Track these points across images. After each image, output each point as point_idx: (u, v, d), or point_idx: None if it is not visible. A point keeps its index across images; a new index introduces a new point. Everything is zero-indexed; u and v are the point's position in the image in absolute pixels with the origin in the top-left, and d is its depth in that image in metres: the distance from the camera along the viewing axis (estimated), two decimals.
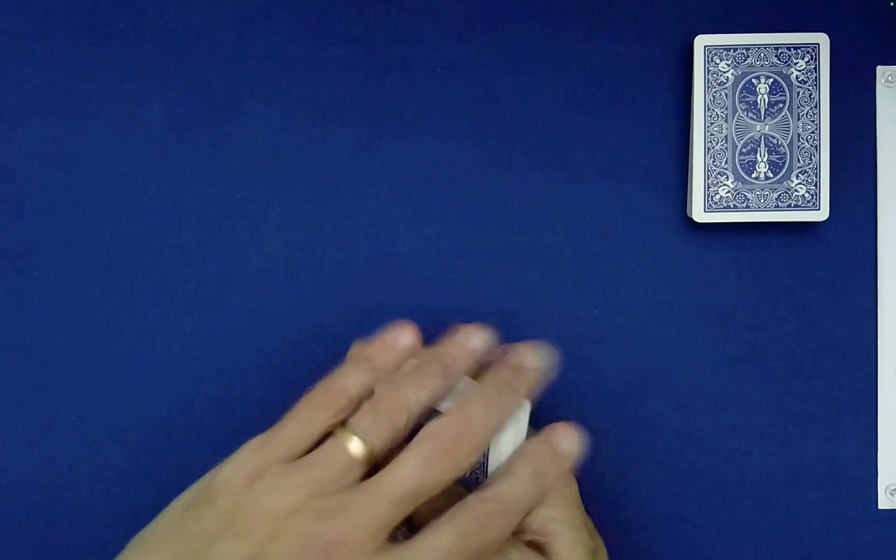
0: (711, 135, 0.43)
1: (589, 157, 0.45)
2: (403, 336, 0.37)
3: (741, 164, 0.42)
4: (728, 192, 0.43)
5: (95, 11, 0.44)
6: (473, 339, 0.37)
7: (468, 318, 0.44)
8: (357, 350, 0.37)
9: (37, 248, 0.44)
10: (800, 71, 0.42)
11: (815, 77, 0.42)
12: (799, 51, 0.42)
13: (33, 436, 0.44)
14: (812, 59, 0.42)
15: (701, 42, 0.42)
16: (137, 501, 0.44)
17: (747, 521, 0.44)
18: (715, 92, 0.43)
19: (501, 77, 0.44)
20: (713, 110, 0.43)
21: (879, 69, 0.44)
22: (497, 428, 0.35)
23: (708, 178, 0.43)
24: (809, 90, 0.42)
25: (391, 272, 0.44)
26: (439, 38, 0.44)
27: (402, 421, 0.34)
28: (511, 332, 0.44)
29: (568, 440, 0.36)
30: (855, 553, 0.44)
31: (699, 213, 0.43)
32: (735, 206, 0.42)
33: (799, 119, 0.42)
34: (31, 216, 0.44)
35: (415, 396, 0.35)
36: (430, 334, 0.44)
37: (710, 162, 0.43)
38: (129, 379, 0.42)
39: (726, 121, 0.43)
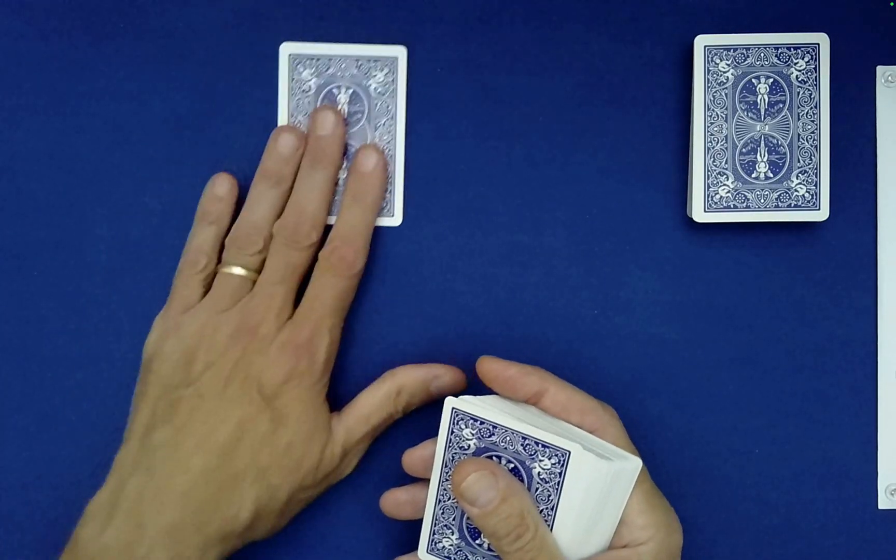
0: (711, 135, 0.43)
1: (589, 157, 0.44)
2: (218, 186, 0.43)
3: (741, 164, 0.42)
4: (728, 192, 0.42)
5: (95, 11, 0.44)
6: (284, 141, 0.42)
7: (468, 318, 0.44)
8: (197, 215, 0.43)
9: (37, 248, 0.44)
10: (800, 71, 0.42)
11: (815, 77, 0.42)
12: (799, 51, 0.42)
13: (33, 436, 0.44)
14: (812, 59, 0.42)
15: (701, 42, 0.42)
16: None
17: (747, 521, 0.44)
18: (715, 92, 0.43)
19: (501, 77, 0.44)
20: (713, 110, 0.43)
21: (879, 69, 0.44)
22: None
23: (708, 178, 0.43)
24: (809, 90, 0.42)
25: (391, 272, 0.44)
26: (439, 38, 0.44)
27: (255, 240, 0.41)
28: (511, 332, 0.44)
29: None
30: (855, 553, 0.44)
31: (699, 213, 0.43)
32: (735, 206, 0.42)
33: (799, 119, 0.42)
34: (31, 216, 0.44)
35: (256, 219, 0.41)
36: (431, 334, 0.44)
37: (710, 162, 0.43)
38: (128, 379, 0.42)
39: (726, 121, 0.43)
